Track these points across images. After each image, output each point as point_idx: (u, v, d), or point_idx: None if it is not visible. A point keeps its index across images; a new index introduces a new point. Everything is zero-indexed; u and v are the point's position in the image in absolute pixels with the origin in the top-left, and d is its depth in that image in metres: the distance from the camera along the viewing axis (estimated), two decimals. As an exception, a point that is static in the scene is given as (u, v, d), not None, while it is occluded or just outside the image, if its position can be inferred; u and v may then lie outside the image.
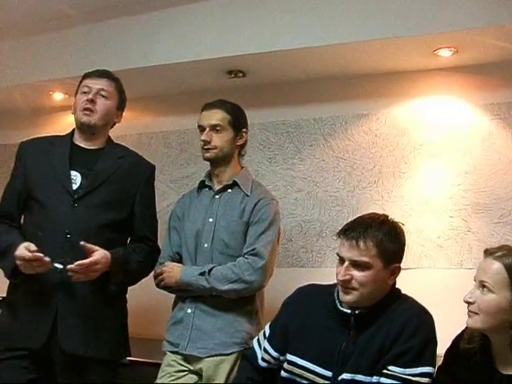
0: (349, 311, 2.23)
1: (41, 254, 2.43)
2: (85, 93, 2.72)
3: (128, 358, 2.94)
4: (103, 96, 2.73)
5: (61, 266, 2.47)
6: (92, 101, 2.69)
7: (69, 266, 2.45)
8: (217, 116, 2.79)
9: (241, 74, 3.73)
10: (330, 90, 3.74)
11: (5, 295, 2.77)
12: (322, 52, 3.37)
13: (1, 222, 2.71)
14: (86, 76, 2.79)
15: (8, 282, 2.70)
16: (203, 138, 2.78)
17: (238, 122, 2.82)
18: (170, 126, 4.16)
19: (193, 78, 3.87)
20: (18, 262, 2.47)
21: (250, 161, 3.53)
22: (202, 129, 2.82)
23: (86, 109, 2.69)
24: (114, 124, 2.84)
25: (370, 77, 3.61)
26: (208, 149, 2.78)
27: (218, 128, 2.77)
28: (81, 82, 2.80)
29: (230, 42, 3.52)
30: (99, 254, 2.52)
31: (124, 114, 2.89)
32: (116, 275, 2.59)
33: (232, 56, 3.50)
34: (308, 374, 2.27)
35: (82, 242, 2.48)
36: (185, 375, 2.69)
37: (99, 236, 2.61)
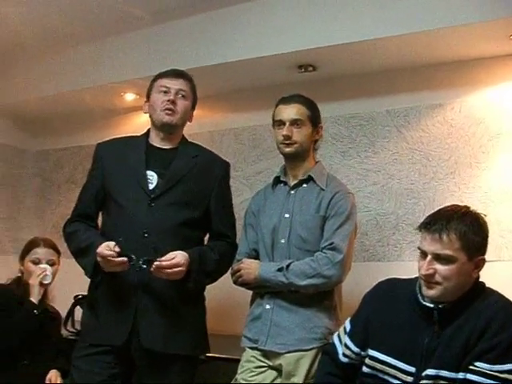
0: (432, 305, 2.18)
1: (124, 259, 2.47)
2: (164, 92, 2.73)
3: (206, 354, 2.95)
4: (182, 96, 2.74)
5: (144, 266, 2.49)
6: (173, 101, 2.71)
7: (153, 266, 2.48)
8: (296, 111, 2.75)
9: (311, 68, 3.71)
10: (402, 81, 3.68)
11: (86, 293, 2.84)
12: (394, 42, 3.32)
13: (79, 221, 2.77)
14: (162, 76, 2.79)
15: (89, 281, 2.75)
16: (285, 132, 2.73)
17: (315, 116, 2.79)
18: (241, 123, 4.18)
19: (263, 73, 3.87)
20: (98, 259, 2.52)
21: (323, 155, 3.48)
22: (280, 123, 2.77)
23: (167, 109, 2.70)
24: (186, 123, 2.84)
25: (443, 65, 3.54)
26: (288, 144, 2.75)
27: (298, 123, 2.74)
28: (154, 81, 2.80)
29: (299, 36, 3.50)
30: (180, 256, 2.53)
31: (195, 112, 2.89)
32: (194, 275, 2.59)
33: (302, 50, 3.49)
34: (390, 370, 2.23)
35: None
36: (264, 371, 2.69)
37: (176, 234, 2.63)
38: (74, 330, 3.87)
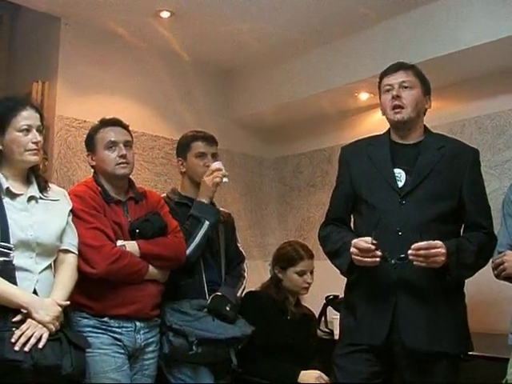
0: None
1: (378, 253, 2.46)
2: (387, 91, 2.72)
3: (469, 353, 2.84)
4: (406, 87, 2.69)
5: (399, 262, 2.47)
6: (398, 96, 2.67)
7: (409, 252, 2.43)
8: None
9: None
10: None
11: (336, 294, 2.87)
12: None
13: (333, 224, 2.81)
14: (383, 75, 2.79)
15: (341, 281, 2.80)
16: None
17: None
18: (482, 111, 4.01)
19: (501, 56, 3.69)
20: (352, 250, 2.52)
21: None
22: None
23: (394, 107, 2.68)
24: (425, 111, 2.78)
25: None
26: None
27: None
28: (380, 82, 2.80)
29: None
30: (437, 242, 2.45)
31: (432, 104, 2.81)
32: (453, 267, 2.49)
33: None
34: None
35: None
36: (539, 371, 2.52)
37: (431, 230, 2.56)
38: (327, 330, 3.95)
